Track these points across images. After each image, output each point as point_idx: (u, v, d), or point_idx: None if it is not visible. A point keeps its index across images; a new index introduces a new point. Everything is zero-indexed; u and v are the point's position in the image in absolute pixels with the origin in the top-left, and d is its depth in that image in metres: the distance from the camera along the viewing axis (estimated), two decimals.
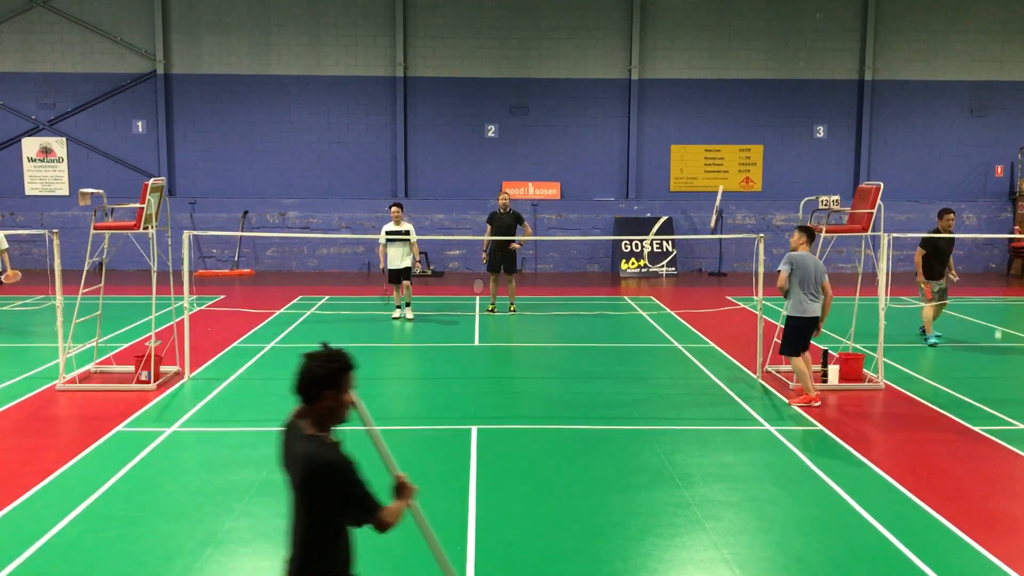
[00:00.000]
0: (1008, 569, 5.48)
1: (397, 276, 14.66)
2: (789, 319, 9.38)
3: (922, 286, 12.87)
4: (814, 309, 9.30)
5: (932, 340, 12.84)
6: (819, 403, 9.27)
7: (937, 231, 12.82)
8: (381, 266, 14.73)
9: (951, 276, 13.16)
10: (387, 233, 14.49)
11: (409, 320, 14.58)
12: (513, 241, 14.75)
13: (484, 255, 15.38)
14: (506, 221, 14.94)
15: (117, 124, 22.62)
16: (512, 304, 15.29)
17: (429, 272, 14.78)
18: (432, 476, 7.13)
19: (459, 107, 22.84)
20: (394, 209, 14.61)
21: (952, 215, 12.86)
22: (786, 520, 6.27)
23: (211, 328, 13.66)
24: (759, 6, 22.69)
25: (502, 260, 14.98)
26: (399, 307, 14.85)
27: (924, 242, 12.76)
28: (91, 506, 6.42)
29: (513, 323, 14.59)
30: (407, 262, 14.67)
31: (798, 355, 9.36)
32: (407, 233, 14.59)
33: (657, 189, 23.25)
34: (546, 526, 6.17)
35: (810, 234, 9.58)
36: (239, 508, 6.40)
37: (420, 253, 21.80)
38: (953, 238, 12.88)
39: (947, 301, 13.35)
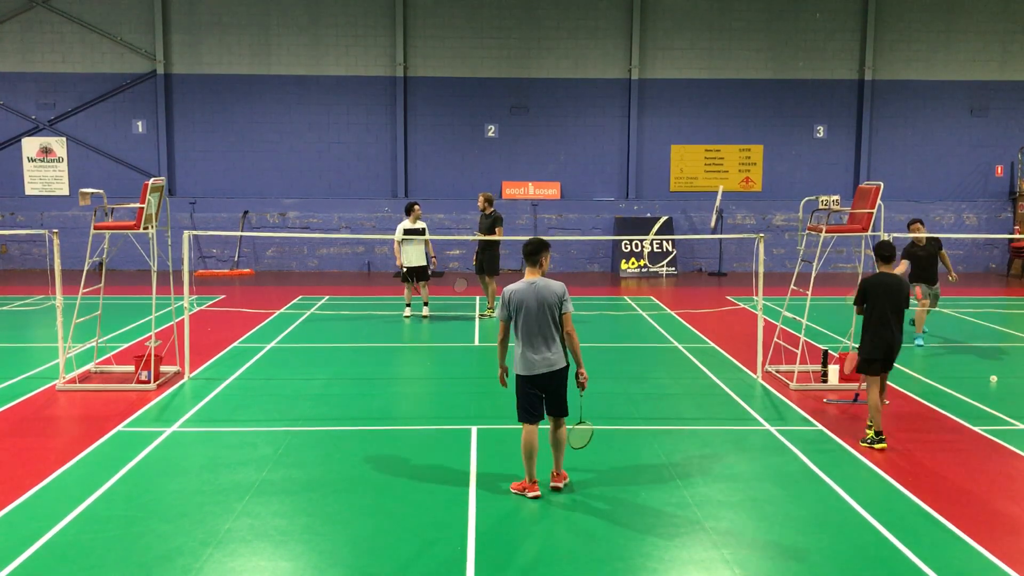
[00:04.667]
0: (1008, 569, 5.48)
1: (413, 274, 14.73)
2: (517, 377, 6.68)
3: (914, 287, 12.90)
4: (545, 361, 6.51)
5: (919, 342, 12.83)
6: (534, 494, 6.63)
7: (913, 244, 12.84)
8: (399, 263, 14.73)
9: (949, 277, 13.16)
10: (404, 231, 14.56)
11: (425, 317, 14.80)
12: (490, 242, 14.80)
13: (475, 257, 15.54)
14: (484, 224, 15.00)
15: (117, 124, 22.62)
16: (490, 306, 15.18)
17: (430, 272, 14.87)
18: (432, 476, 7.13)
19: (459, 107, 22.84)
20: (416, 208, 14.73)
21: (919, 224, 12.82)
22: (786, 520, 6.27)
23: (211, 328, 13.66)
24: (759, 6, 22.69)
25: (481, 261, 15.06)
26: (409, 305, 14.96)
27: (904, 255, 12.77)
28: (91, 506, 6.41)
29: None
30: (422, 260, 14.81)
31: (530, 422, 6.65)
32: (423, 231, 14.74)
33: (657, 189, 23.24)
34: (546, 526, 6.16)
35: (529, 256, 6.62)
36: (239, 508, 6.40)
37: None
38: (932, 243, 12.86)
39: (936, 306, 13.32)
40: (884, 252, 8.22)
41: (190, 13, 22.29)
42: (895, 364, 9.61)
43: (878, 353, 8.03)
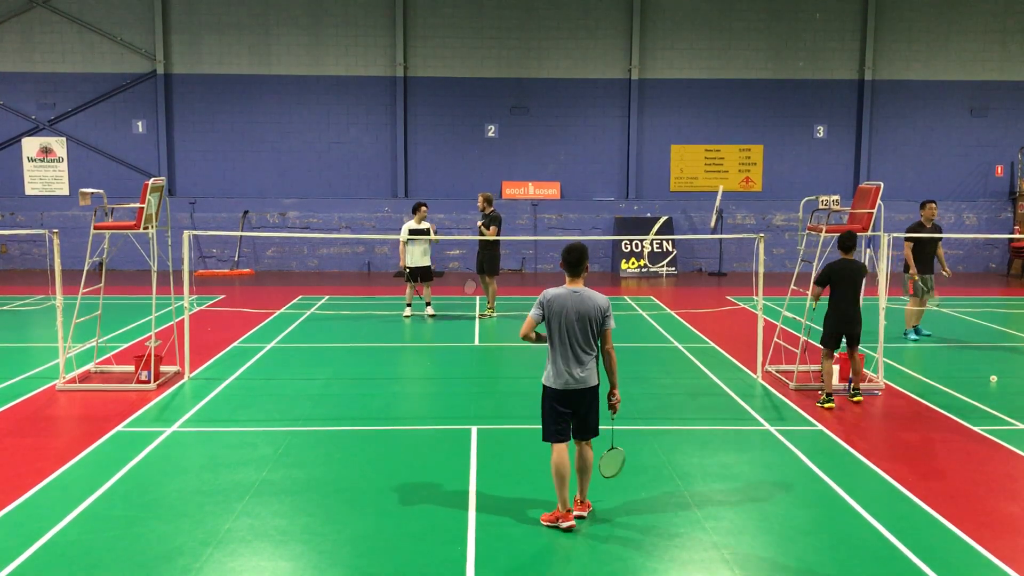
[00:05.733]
0: (1008, 569, 5.48)
1: (416, 274, 14.72)
2: (544, 389, 6.26)
3: (908, 280, 12.89)
4: (577, 378, 6.05)
5: (912, 336, 12.86)
6: (568, 524, 6.04)
7: (920, 224, 12.81)
8: (402, 263, 14.72)
9: (944, 272, 13.12)
10: (410, 231, 14.57)
11: (432, 316, 14.83)
12: (488, 242, 14.80)
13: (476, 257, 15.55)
14: (483, 223, 15.04)
15: (117, 124, 22.61)
16: (490, 306, 15.15)
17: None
18: (432, 476, 7.13)
19: (459, 107, 22.84)
20: (423, 208, 14.83)
21: (933, 204, 12.81)
22: (786, 520, 6.27)
23: (211, 328, 13.66)
24: (759, 6, 22.69)
25: (481, 261, 15.07)
26: (410, 305, 14.94)
27: (909, 237, 12.73)
28: (91, 506, 6.41)
29: (513, 323, 14.57)
30: (427, 260, 14.82)
31: (558, 441, 6.18)
32: (428, 231, 14.77)
33: (657, 189, 23.25)
34: (545, 527, 6.16)
35: (572, 266, 6.21)
36: (239, 508, 6.40)
37: None
38: (938, 231, 12.80)
39: (934, 299, 13.24)
40: (847, 243, 9.42)
41: (190, 13, 22.29)
42: (896, 363, 9.63)
43: (842, 327, 9.37)
